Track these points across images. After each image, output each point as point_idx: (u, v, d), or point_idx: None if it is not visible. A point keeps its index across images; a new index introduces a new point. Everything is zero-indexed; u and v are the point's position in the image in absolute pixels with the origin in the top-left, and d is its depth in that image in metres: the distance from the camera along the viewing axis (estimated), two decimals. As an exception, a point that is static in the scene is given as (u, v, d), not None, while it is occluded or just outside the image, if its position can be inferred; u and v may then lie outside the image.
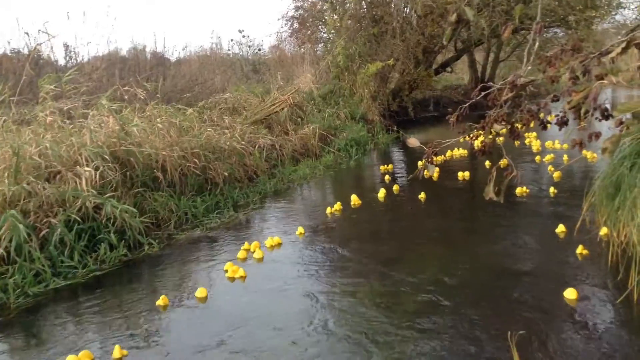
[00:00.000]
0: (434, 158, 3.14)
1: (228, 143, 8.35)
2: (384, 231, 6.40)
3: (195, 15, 39.25)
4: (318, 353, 3.53)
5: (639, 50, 2.31)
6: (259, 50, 20.72)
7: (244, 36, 20.49)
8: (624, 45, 2.30)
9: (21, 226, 4.95)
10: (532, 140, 11.34)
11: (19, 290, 4.60)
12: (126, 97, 8.01)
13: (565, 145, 10.38)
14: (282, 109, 11.62)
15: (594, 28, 18.41)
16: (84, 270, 5.11)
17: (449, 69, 19.83)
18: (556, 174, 8.09)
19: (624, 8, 18.64)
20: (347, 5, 16.24)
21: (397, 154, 12.36)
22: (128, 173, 6.59)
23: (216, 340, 3.73)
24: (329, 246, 5.72)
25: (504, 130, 2.96)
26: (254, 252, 5.50)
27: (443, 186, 8.24)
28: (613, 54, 2.32)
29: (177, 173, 7.15)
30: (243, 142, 8.81)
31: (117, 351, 3.64)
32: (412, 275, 4.69)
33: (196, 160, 7.41)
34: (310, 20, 17.85)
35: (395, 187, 8.03)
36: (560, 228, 5.56)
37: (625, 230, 4.54)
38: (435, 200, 7.53)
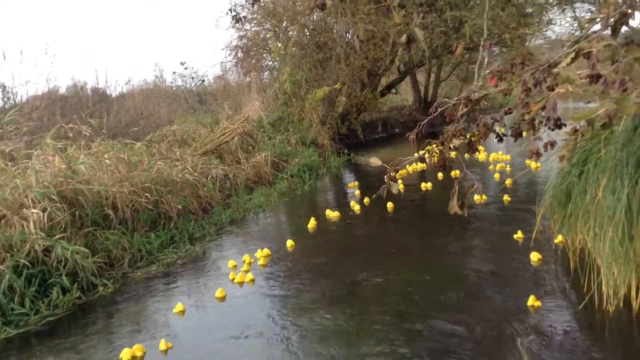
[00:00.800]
0: (395, 175, 3.15)
1: (180, 175, 8.19)
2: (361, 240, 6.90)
3: (137, 49, 38.75)
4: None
5: (587, 60, 2.38)
6: (203, 81, 20.60)
7: (186, 68, 20.33)
8: (572, 55, 2.37)
9: (-35, 276, 4.68)
10: (480, 153, 11.69)
11: (-34, 344, 4.33)
12: (71, 134, 7.76)
13: (508, 157, 10.85)
14: (233, 138, 11.54)
15: (528, 44, 19.25)
16: (37, 316, 4.84)
17: (393, 90, 20.21)
18: (508, 182, 8.38)
19: (554, 24, 19.59)
20: (290, 33, 16.40)
21: (350, 175, 12.41)
22: (77, 212, 6.35)
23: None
24: (312, 260, 6.01)
25: (460, 144, 3.00)
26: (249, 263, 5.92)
27: (408, 197, 8.70)
28: (563, 64, 2.39)
29: (129, 209, 6.94)
30: (196, 174, 8.66)
31: (162, 344, 4.04)
32: (385, 277, 5.15)
33: (148, 195, 7.21)
34: (255, 49, 17.91)
35: (366, 200, 8.50)
36: (519, 234, 5.69)
37: (579, 237, 4.68)
38: (402, 210, 8.01)
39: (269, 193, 9.78)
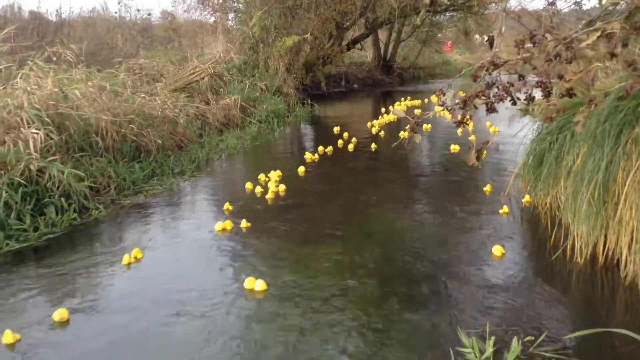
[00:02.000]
0: (416, 126, 3.49)
1: (160, 110, 8.25)
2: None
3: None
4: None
5: (608, 41, 2.77)
6: (149, 14, 19.88)
7: (132, -1, 19.54)
8: (598, 34, 2.75)
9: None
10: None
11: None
12: (54, 58, 7.65)
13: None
14: (203, 78, 11.54)
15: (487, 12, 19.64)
16: (36, 233, 4.99)
17: (358, 45, 20.39)
18: (471, 138, 8.80)
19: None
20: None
21: (314, 126, 12.69)
22: (63, 137, 6.39)
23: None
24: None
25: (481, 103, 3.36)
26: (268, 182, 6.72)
27: (390, 141, 8.98)
28: (589, 41, 2.76)
29: (112, 139, 7.01)
30: (176, 110, 8.73)
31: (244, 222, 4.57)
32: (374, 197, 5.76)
33: (133, 126, 7.29)
34: (223, -12, 17.60)
35: (354, 140, 9.42)
36: (488, 188, 6.14)
37: (548, 198, 5.21)
38: (384, 151, 8.97)
39: (240, 136, 9.98)
